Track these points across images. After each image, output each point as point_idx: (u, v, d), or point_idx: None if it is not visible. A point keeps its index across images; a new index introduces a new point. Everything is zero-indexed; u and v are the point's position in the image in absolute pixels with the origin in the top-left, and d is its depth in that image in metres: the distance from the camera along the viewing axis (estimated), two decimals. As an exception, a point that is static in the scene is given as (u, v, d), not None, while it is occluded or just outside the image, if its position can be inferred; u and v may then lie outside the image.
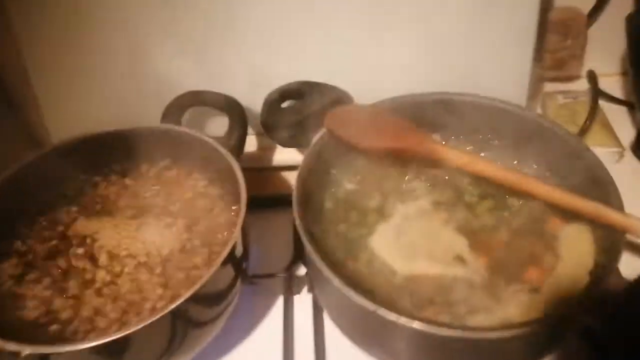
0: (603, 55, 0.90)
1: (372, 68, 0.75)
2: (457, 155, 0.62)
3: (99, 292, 0.56)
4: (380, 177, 0.66)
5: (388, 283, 0.56)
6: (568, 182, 0.61)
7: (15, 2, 0.70)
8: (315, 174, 0.62)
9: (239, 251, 0.58)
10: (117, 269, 0.58)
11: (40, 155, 0.63)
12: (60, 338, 0.53)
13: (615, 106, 0.89)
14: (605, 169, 0.58)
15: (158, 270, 0.58)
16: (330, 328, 0.61)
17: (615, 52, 0.90)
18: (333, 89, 0.69)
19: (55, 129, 0.78)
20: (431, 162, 0.64)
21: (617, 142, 0.82)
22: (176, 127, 0.66)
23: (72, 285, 0.57)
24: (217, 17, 0.72)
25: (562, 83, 0.92)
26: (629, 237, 0.53)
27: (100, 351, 0.48)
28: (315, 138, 0.64)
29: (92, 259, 0.59)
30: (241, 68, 0.75)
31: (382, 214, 0.63)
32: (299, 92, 0.69)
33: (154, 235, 0.61)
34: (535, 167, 0.66)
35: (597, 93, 0.87)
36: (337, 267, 0.56)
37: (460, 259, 0.58)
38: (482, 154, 0.68)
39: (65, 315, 0.55)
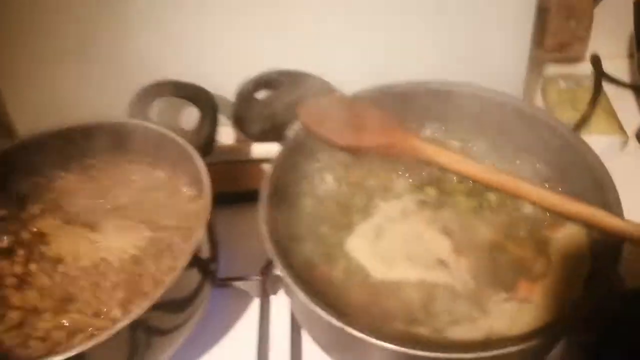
0: (608, 36, 0.85)
1: (360, 55, 0.70)
2: (442, 154, 0.57)
3: (49, 300, 0.53)
4: (363, 175, 0.61)
5: (364, 289, 0.52)
6: (566, 180, 0.57)
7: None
8: (289, 171, 0.58)
9: (205, 254, 0.55)
10: (73, 273, 0.55)
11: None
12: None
13: (620, 90, 0.85)
14: (604, 168, 0.53)
15: (118, 275, 0.54)
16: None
17: (622, 34, 0.86)
18: (313, 78, 0.65)
19: (19, 117, 0.74)
20: (417, 160, 0.59)
21: (620, 129, 0.77)
22: (133, 121, 0.62)
23: (24, 293, 0.53)
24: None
25: (564, 66, 0.88)
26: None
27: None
28: (291, 132, 0.59)
29: (45, 262, 0.56)
30: (216, 55, 0.70)
31: (362, 213, 0.58)
32: (276, 82, 0.64)
33: (115, 237, 0.57)
34: (532, 163, 0.61)
35: (600, 76, 0.82)
36: (309, 273, 0.53)
37: (442, 263, 0.53)
38: (474, 149, 0.63)
39: (11, 323, 0.51)
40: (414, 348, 0.42)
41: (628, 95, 0.84)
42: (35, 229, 0.58)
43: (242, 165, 0.73)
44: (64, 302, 0.53)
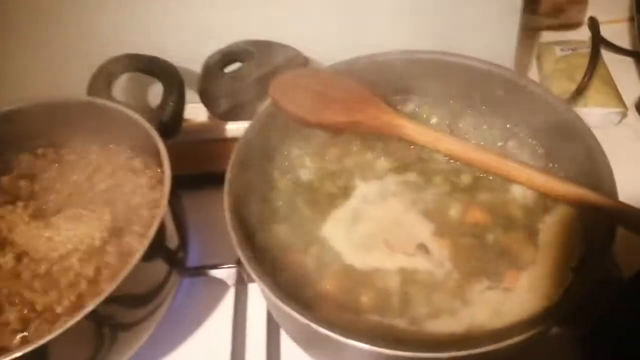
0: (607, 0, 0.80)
1: (335, 22, 0.65)
2: (422, 131, 0.53)
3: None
4: (341, 154, 0.57)
5: (338, 277, 0.49)
6: (559, 158, 0.53)
7: None
8: (260, 149, 0.54)
9: (170, 242, 0.51)
10: (31, 265, 0.51)
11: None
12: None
13: (619, 58, 0.80)
14: (599, 146, 0.49)
15: (79, 265, 0.51)
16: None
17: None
18: (286, 48, 0.60)
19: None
20: (397, 138, 0.55)
21: (619, 100, 0.73)
22: (87, 98, 0.57)
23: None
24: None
25: (561, 32, 0.83)
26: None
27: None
28: (260, 109, 0.54)
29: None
30: (185, 24, 0.65)
31: (340, 195, 0.54)
32: (245, 53, 0.59)
33: (76, 225, 0.53)
34: (524, 139, 0.57)
35: (598, 42, 0.77)
36: (283, 258, 0.50)
37: (422, 248, 0.50)
38: (460, 125, 0.58)
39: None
40: (385, 347, 0.39)
41: (628, 64, 0.80)
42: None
43: (214, 144, 0.68)
44: (16, 296, 0.49)
